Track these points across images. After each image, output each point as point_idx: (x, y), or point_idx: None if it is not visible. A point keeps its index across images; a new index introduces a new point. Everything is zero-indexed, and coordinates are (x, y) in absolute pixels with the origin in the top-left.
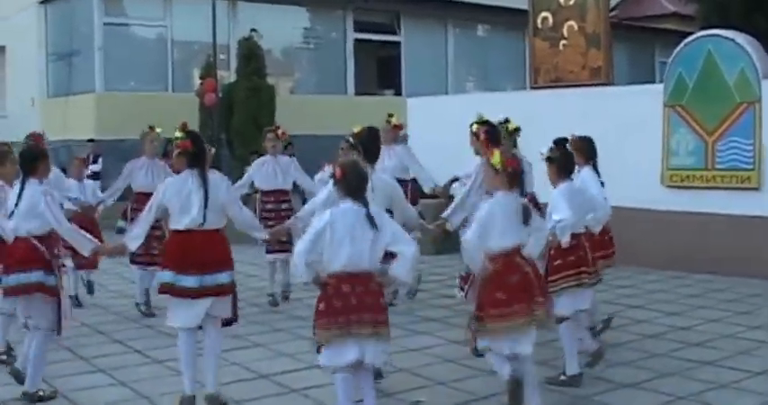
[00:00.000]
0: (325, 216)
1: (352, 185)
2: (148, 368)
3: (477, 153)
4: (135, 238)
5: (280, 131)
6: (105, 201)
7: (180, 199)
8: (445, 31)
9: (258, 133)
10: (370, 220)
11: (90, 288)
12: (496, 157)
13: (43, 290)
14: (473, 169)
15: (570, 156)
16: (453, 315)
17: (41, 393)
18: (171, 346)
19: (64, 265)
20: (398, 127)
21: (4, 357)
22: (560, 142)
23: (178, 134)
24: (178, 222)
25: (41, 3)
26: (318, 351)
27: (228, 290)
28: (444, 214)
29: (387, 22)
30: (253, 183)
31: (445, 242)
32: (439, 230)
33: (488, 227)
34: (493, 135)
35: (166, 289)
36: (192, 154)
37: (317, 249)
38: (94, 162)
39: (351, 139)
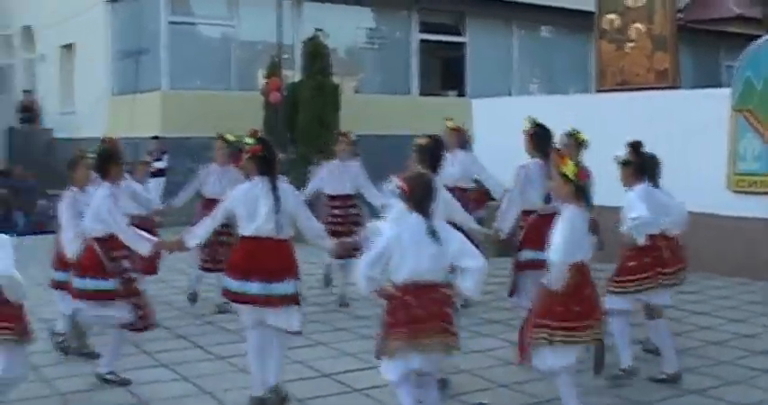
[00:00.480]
0: (390, 230)
1: (418, 199)
2: (211, 364)
3: (531, 156)
4: (195, 237)
5: (350, 136)
6: (173, 204)
7: (247, 205)
8: (510, 33)
9: (323, 132)
10: (433, 234)
11: None
12: (570, 166)
13: (113, 296)
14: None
15: (646, 158)
16: (516, 317)
17: (109, 377)
18: (233, 342)
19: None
20: (456, 130)
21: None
22: (634, 145)
23: (249, 140)
24: (246, 229)
25: (109, 1)
26: (379, 357)
27: (292, 300)
28: (495, 225)
29: (452, 22)
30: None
31: (507, 245)
32: (496, 239)
33: (573, 242)
34: (541, 138)
35: (230, 296)
36: (262, 159)
37: (381, 264)
38: (159, 159)
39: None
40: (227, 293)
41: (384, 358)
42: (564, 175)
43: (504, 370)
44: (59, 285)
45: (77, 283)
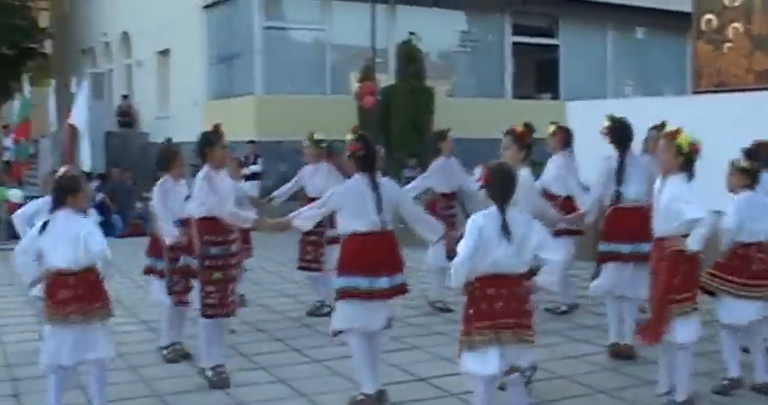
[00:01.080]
0: (476, 220)
1: (495, 190)
2: (307, 367)
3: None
4: (305, 218)
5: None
6: (276, 199)
7: (355, 203)
8: (604, 35)
9: (417, 136)
10: (505, 228)
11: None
12: (684, 137)
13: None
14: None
15: (758, 165)
16: None
17: (208, 374)
18: (329, 345)
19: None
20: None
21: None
22: (751, 151)
23: (349, 137)
24: (355, 226)
25: (204, 7)
26: (459, 354)
27: (403, 291)
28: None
29: (545, 25)
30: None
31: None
32: (576, 220)
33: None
34: (621, 133)
35: (347, 293)
36: (363, 157)
37: (477, 256)
38: (254, 163)
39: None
40: (344, 292)
41: (465, 352)
42: (678, 147)
43: (601, 376)
44: (150, 270)
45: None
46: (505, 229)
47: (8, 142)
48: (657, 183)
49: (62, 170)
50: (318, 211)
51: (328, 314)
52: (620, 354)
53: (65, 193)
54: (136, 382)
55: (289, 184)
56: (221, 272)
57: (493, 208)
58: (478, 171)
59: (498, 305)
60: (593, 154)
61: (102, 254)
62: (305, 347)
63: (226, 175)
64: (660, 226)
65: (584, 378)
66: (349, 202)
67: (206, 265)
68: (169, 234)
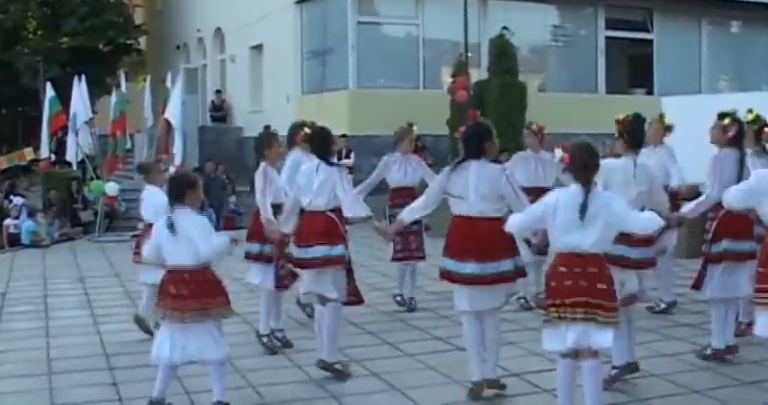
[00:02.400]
0: (549, 198)
1: (578, 167)
2: (400, 360)
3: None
4: (412, 211)
5: (535, 127)
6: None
7: (460, 186)
8: (699, 29)
9: (511, 131)
10: (583, 209)
11: None
12: None
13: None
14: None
15: None
16: (708, 321)
17: (338, 366)
18: (421, 339)
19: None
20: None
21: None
22: None
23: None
24: (459, 210)
25: (297, 2)
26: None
27: (512, 277)
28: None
29: (639, 19)
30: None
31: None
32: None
33: None
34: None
35: (447, 276)
36: (473, 141)
37: (531, 228)
38: (347, 157)
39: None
40: (445, 274)
41: (544, 329)
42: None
43: (695, 375)
44: (252, 256)
45: (296, 252)
46: (584, 209)
47: (86, 137)
48: None
49: (174, 168)
50: (426, 206)
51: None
52: (722, 358)
53: (183, 188)
54: (231, 372)
55: (370, 179)
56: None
57: (574, 186)
58: (558, 152)
59: (567, 283)
60: (689, 149)
61: (213, 253)
62: (397, 341)
63: None
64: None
65: (678, 377)
66: (455, 186)
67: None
68: (272, 227)
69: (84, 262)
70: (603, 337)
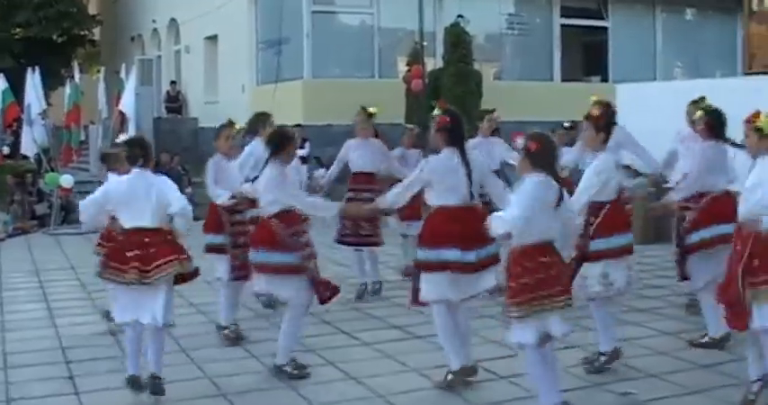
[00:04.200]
0: (537, 192)
1: (544, 158)
2: (357, 349)
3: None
4: (393, 200)
5: (495, 114)
6: (326, 185)
7: (446, 177)
8: (653, 16)
9: (466, 119)
10: (560, 196)
11: None
12: (764, 119)
13: (291, 270)
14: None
15: None
16: (664, 306)
17: (288, 370)
18: (377, 328)
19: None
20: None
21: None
22: None
23: (436, 111)
24: (445, 200)
25: None
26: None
27: (497, 260)
28: (669, 197)
29: (594, 7)
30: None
31: (650, 232)
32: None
33: None
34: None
35: (434, 265)
36: (452, 130)
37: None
38: (302, 147)
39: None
40: (430, 264)
41: (514, 323)
42: (759, 130)
43: (651, 359)
44: (213, 249)
45: (255, 257)
46: (560, 197)
47: (40, 129)
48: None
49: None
50: (407, 189)
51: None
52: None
53: (142, 151)
54: (187, 363)
55: (333, 167)
56: (314, 260)
57: (543, 176)
58: (521, 141)
59: (540, 275)
60: (642, 135)
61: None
62: (354, 330)
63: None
64: (744, 206)
65: (634, 361)
66: (441, 177)
67: (304, 257)
68: (221, 199)
69: (40, 255)
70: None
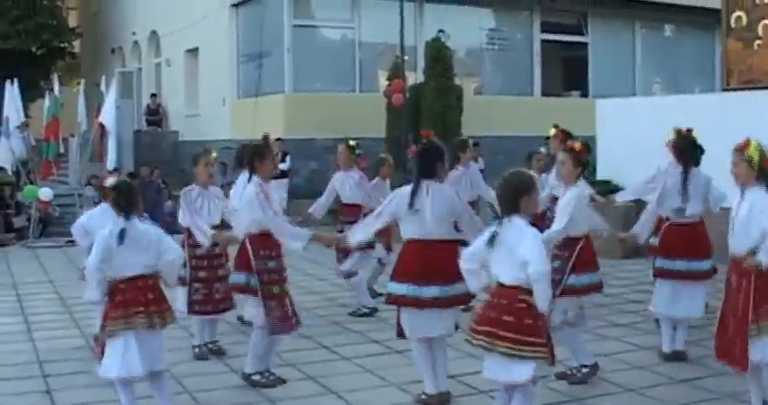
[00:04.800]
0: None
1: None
2: (337, 364)
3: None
4: (359, 234)
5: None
6: (314, 215)
7: (409, 209)
8: (633, 32)
9: (446, 134)
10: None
11: None
12: (753, 148)
13: (247, 291)
14: (657, 177)
15: None
16: (642, 320)
17: (256, 377)
18: (357, 343)
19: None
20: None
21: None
22: None
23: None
24: (411, 233)
25: (233, 6)
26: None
27: (466, 299)
28: (634, 230)
29: (574, 22)
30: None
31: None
32: (630, 243)
33: None
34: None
35: (403, 300)
36: (421, 163)
37: None
38: (282, 161)
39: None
40: (399, 299)
41: None
42: (749, 160)
43: (630, 374)
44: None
45: (231, 277)
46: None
47: (17, 142)
48: (736, 197)
49: (111, 179)
50: (374, 223)
51: (365, 315)
52: (675, 358)
53: (134, 197)
54: (168, 378)
55: (323, 197)
56: (278, 286)
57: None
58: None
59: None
60: (621, 150)
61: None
62: (334, 345)
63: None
64: (739, 241)
65: (613, 376)
66: (402, 209)
67: (265, 281)
68: (202, 239)
69: (18, 268)
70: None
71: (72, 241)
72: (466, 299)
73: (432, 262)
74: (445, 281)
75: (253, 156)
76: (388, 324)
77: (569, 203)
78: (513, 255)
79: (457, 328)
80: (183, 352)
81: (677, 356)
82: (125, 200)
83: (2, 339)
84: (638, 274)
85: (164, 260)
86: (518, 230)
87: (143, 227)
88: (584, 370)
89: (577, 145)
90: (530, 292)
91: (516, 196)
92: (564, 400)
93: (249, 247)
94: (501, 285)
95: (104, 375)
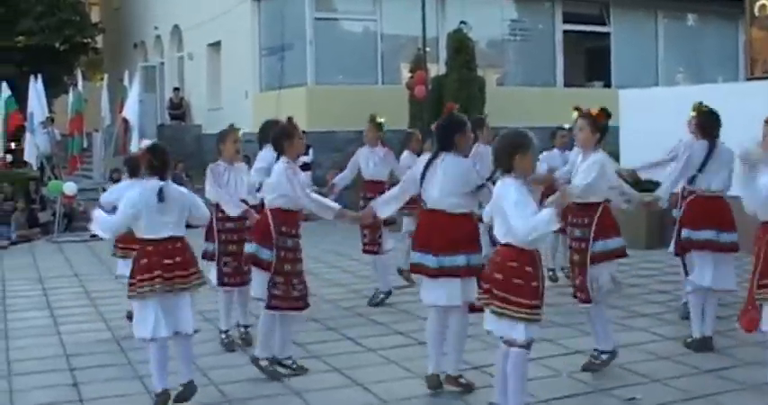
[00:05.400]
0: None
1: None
2: (362, 356)
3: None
4: (386, 206)
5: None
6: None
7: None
8: (655, 22)
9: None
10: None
11: None
12: None
13: (257, 263)
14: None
15: None
16: (667, 311)
17: (262, 364)
18: (382, 334)
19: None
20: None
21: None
22: None
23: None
24: (426, 202)
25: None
26: None
27: (464, 272)
28: (657, 192)
29: (596, 12)
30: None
31: (655, 237)
32: (654, 207)
33: None
34: (709, 122)
35: (413, 269)
36: (439, 135)
37: None
38: (305, 153)
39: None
40: (413, 268)
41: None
42: None
43: (656, 364)
44: (206, 255)
45: (246, 248)
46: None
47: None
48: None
49: (146, 141)
50: (397, 197)
51: (382, 303)
52: (703, 347)
53: (167, 160)
54: (194, 370)
55: (346, 171)
56: (290, 264)
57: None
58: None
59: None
60: (644, 142)
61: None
62: (359, 336)
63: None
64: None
65: (638, 366)
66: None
67: (280, 257)
68: (233, 211)
69: (43, 262)
70: None
71: (96, 236)
72: (468, 271)
73: (432, 232)
74: (444, 252)
75: (280, 137)
76: (412, 315)
77: (592, 168)
78: (501, 215)
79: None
80: (208, 344)
81: (705, 344)
82: (160, 161)
83: (29, 333)
84: (662, 264)
85: (193, 215)
86: (505, 191)
87: (176, 187)
88: (603, 356)
89: (594, 110)
90: (522, 252)
91: (511, 152)
92: (588, 391)
93: (271, 222)
94: (498, 243)
95: (137, 336)
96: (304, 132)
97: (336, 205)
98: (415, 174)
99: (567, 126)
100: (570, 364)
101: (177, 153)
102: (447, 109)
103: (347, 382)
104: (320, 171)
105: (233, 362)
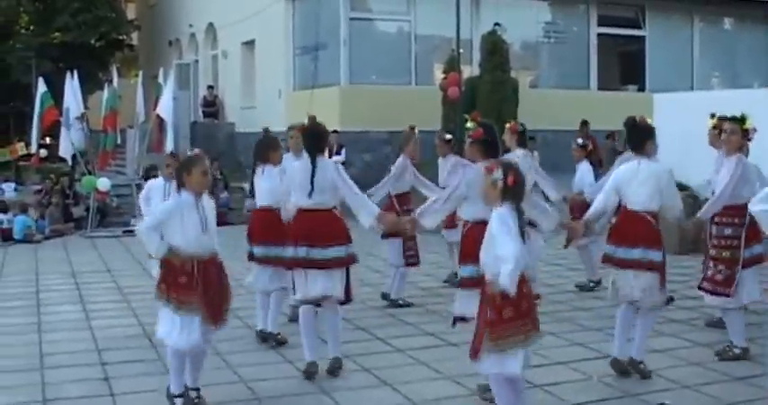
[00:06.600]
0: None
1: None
2: (391, 356)
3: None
4: (431, 215)
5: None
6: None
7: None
8: (691, 25)
9: (502, 128)
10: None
11: None
12: None
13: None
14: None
15: None
16: (698, 317)
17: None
18: (411, 335)
19: None
20: None
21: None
22: None
23: (469, 124)
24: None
25: None
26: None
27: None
28: (700, 213)
29: (631, 16)
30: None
31: (686, 243)
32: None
33: None
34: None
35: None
36: (486, 143)
37: None
38: (338, 153)
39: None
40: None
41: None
42: None
43: (686, 370)
44: (252, 258)
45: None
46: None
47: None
48: None
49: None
50: (445, 207)
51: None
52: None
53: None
54: (222, 368)
55: (385, 180)
56: None
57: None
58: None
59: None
60: (679, 145)
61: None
62: (388, 337)
63: None
64: None
65: (669, 372)
66: (476, 190)
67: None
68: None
69: (76, 257)
70: None
71: (129, 231)
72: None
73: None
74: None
75: (314, 139)
76: (441, 316)
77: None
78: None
79: None
80: (238, 342)
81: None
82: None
83: (62, 327)
84: (694, 270)
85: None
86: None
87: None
88: (641, 366)
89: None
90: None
91: None
92: (618, 396)
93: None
94: None
95: (166, 342)
96: (336, 132)
97: (377, 208)
98: (473, 187)
99: (580, 141)
100: (601, 369)
101: (210, 151)
102: (473, 117)
103: (376, 382)
104: (352, 171)
105: (262, 360)
